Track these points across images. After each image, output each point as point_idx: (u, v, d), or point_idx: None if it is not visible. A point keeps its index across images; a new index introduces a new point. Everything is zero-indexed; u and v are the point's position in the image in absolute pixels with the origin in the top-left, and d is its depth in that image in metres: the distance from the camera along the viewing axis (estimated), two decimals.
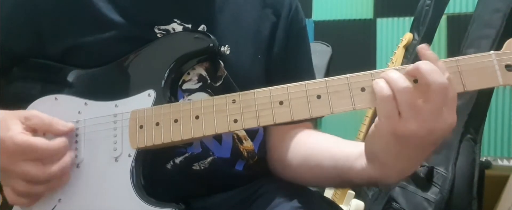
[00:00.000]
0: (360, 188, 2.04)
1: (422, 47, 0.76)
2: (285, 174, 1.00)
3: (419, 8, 2.08)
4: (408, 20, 2.55)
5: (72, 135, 0.91)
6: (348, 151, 0.87)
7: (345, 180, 0.88)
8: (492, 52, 0.75)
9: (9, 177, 0.85)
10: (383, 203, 1.79)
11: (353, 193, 1.93)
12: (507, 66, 0.74)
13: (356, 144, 0.87)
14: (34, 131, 0.86)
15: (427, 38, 1.99)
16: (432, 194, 1.55)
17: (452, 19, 2.47)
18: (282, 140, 1.00)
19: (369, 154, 0.80)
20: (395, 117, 0.72)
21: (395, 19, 2.73)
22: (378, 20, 2.78)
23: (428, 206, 1.55)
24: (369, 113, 2.07)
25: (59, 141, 0.86)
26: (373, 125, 0.77)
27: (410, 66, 0.74)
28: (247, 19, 1.02)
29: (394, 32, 2.72)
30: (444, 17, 2.36)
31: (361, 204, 1.88)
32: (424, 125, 0.72)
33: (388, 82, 0.74)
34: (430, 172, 1.56)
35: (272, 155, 1.03)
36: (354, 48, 2.76)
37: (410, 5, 2.36)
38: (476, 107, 1.53)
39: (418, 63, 0.73)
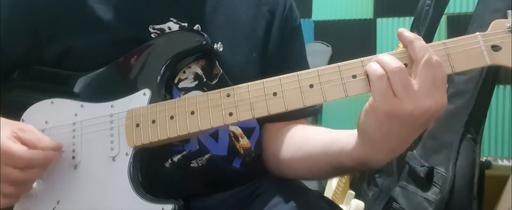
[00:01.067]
0: (361, 188, 2.04)
1: (402, 29, 0.78)
2: (279, 169, 1.01)
3: (419, 8, 2.07)
4: (408, 20, 2.55)
5: (68, 144, 0.91)
6: (339, 135, 0.88)
7: (336, 166, 0.89)
8: (478, 33, 0.77)
9: None
10: (383, 203, 1.79)
11: (353, 193, 1.93)
12: (493, 47, 0.76)
13: (348, 131, 0.88)
14: (24, 143, 0.86)
15: (427, 38, 1.98)
16: (432, 194, 1.54)
17: (452, 19, 2.47)
18: (276, 136, 1.01)
19: (361, 132, 0.81)
20: (390, 96, 0.74)
21: (395, 19, 2.73)
22: (378, 20, 2.78)
23: (428, 206, 1.54)
24: None
25: (37, 153, 0.85)
26: (367, 103, 0.78)
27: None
28: (242, 17, 1.03)
29: (394, 32, 2.71)
30: (444, 17, 2.35)
31: (361, 204, 1.88)
32: (418, 104, 0.73)
33: (380, 63, 0.76)
34: (430, 172, 1.56)
35: (266, 151, 1.03)
36: (354, 48, 2.75)
37: (410, 5, 2.36)
38: (476, 107, 1.53)
39: (413, 40, 0.76)
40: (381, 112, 0.75)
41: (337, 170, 0.92)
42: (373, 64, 0.76)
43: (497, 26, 0.77)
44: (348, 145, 0.84)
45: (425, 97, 0.73)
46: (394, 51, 0.79)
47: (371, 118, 0.77)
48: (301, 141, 0.97)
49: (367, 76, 0.77)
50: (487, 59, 0.76)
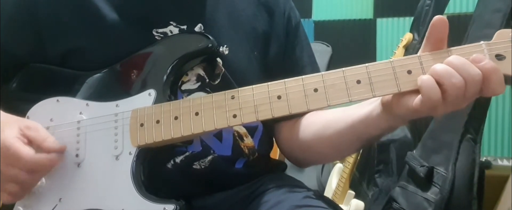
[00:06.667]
0: (361, 188, 2.04)
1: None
2: (304, 155, 1.02)
3: (419, 8, 2.08)
4: (408, 20, 2.56)
5: (72, 142, 0.92)
6: (360, 111, 0.88)
7: (365, 139, 0.90)
8: (482, 42, 0.77)
9: (3, 179, 0.86)
10: (383, 203, 1.79)
11: (353, 193, 1.93)
12: (497, 56, 0.76)
13: (366, 103, 0.88)
14: (30, 141, 0.87)
15: None
16: (432, 194, 1.54)
17: (452, 19, 2.46)
18: (294, 124, 1.01)
19: (388, 111, 0.81)
20: (439, 107, 0.74)
21: (395, 19, 2.73)
22: (378, 20, 2.78)
23: (428, 206, 1.54)
24: None
25: (43, 157, 0.86)
26: (407, 98, 0.77)
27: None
28: (242, 16, 1.04)
29: (394, 32, 2.72)
30: None
31: (361, 204, 1.88)
32: (455, 108, 0.76)
33: (436, 79, 0.73)
34: (430, 172, 1.55)
35: (287, 142, 1.04)
36: (354, 48, 2.76)
37: (410, 5, 2.36)
38: (476, 107, 1.52)
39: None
40: (421, 113, 0.76)
41: (365, 141, 0.93)
42: (429, 81, 0.74)
43: (502, 35, 0.77)
44: (375, 118, 0.85)
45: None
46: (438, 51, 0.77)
47: (406, 110, 0.77)
48: (322, 121, 0.97)
49: (420, 87, 0.74)
50: None
